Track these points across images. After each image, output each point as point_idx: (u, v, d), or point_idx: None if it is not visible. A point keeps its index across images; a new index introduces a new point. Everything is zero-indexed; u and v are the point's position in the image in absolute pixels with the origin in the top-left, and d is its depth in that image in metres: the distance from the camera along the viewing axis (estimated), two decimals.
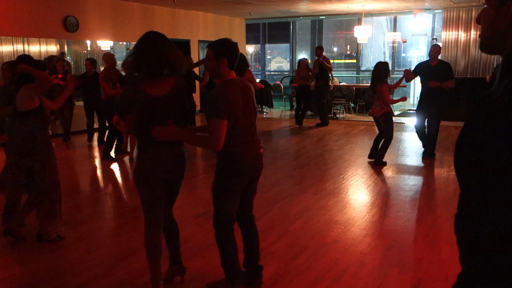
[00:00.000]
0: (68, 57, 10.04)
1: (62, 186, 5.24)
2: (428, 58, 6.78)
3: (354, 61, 16.14)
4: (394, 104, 6.76)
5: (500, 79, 1.00)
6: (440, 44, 12.44)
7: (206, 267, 3.37)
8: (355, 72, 15.65)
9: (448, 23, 11.98)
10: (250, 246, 3.09)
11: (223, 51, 2.73)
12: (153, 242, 2.83)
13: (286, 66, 17.70)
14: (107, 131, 7.45)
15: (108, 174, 6.47)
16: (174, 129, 2.67)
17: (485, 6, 1.07)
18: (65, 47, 10.06)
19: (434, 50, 6.69)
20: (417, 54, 14.99)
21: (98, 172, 6.64)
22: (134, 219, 4.63)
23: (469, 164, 0.98)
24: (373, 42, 16.17)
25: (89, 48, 10.49)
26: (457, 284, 1.06)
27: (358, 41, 13.07)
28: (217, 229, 2.90)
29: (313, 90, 10.11)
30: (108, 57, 6.99)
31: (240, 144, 2.78)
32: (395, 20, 13.90)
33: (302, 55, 17.91)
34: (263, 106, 13.05)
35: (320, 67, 9.90)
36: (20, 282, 3.23)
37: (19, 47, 8.95)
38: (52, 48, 9.69)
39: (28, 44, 9.26)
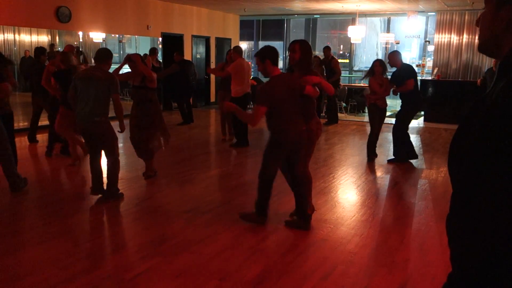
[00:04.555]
0: (59, 48, 9.92)
1: (50, 179, 5.20)
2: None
3: (347, 61, 16.18)
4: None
5: (495, 82, 1.00)
6: (432, 46, 12.54)
7: (195, 262, 3.36)
8: (347, 72, 15.68)
9: (441, 26, 12.06)
10: (298, 196, 4.01)
11: (265, 54, 3.73)
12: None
13: (279, 64, 17.71)
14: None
15: None
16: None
17: (484, 9, 1.08)
18: (57, 38, 9.94)
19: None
20: (409, 56, 15.08)
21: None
22: (122, 213, 4.60)
23: (463, 164, 0.99)
24: (367, 42, 16.22)
25: (81, 40, 10.38)
26: (447, 285, 1.06)
27: (352, 41, 13.11)
28: (260, 181, 3.91)
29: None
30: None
31: (285, 122, 3.74)
32: (388, 21, 13.96)
33: None
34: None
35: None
36: (6, 274, 3.19)
37: (9, 36, 8.84)
38: (43, 38, 9.58)
39: (19, 34, 9.15)
